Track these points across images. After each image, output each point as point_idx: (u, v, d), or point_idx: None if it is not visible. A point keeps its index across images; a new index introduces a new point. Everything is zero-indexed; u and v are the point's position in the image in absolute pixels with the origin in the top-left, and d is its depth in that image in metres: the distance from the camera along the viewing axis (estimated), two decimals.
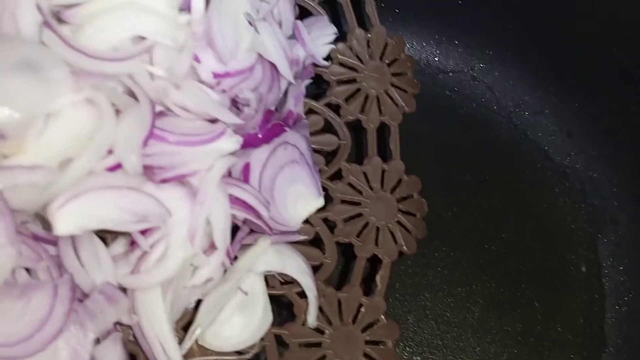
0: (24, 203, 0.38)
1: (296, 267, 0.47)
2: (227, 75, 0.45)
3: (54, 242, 0.40)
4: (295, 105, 0.51)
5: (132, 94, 0.42)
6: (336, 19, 0.58)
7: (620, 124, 0.69)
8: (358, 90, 0.55)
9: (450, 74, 0.74)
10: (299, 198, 0.48)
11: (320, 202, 0.49)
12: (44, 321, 0.37)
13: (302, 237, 0.49)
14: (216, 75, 0.44)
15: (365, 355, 0.47)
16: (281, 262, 0.47)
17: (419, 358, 0.62)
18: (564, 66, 0.71)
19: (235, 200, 0.44)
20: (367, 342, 0.47)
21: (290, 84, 0.51)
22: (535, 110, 0.72)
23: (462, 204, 0.68)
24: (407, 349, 0.63)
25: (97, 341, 0.40)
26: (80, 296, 0.40)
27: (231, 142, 0.43)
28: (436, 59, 0.74)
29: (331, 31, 0.55)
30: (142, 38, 0.42)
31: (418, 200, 0.53)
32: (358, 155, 0.54)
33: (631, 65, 0.66)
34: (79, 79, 0.40)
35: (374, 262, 0.51)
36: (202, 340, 0.44)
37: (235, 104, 0.47)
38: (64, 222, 0.38)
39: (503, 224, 0.68)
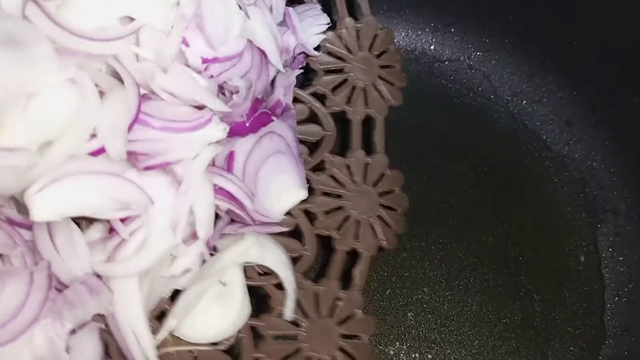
0: (1, 186, 0.37)
1: (276, 260, 0.46)
2: (216, 60, 0.44)
3: (29, 226, 0.39)
4: (285, 94, 0.50)
5: (116, 76, 0.40)
6: (326, 6, 0.57)
7: (619, 112, 0.68)
8: (345, 80, 0.54)
9: (447, 62, 0.73)
10: (282, 189, 0.48)
11: (303, 194, 0.49)
12: (19, 309, 0.36)
13: (284, 229, 0.48)
14: (205, 60, 0.43)
15: (341, 349, 0.47)
16: (261, 254, 0.46)
17: (417, 354, 0.61)
18: (562, 54, 0.70)
19: (219, 191, 0.43)
20: (343, 336, 0.47)
21: (278, 72, 0.50)
22: (533, 98, 0.71)
23: (459, 195, 0.67)
24: (405, 344, 0.62)
25: (73, 331, 0.39)
26: (57, 285, 0.39)
27: (218, 130, 0.42)
28: (432, 48, 0.73)
29: (324, 21, 0.54)
30: (131, 18, 0.41)
31: (399, 195, 0.53)
32: (342, 147, 0.53)
33: (632, 53, 0.65)
34: (63, 57, 0.38)
35: (355, 256, 0.50)
36: (178, 331, 0.43)
37: (222, 91, 0.46)
38: (42, 208, 0.37)
39: (501, 215, 0.67)
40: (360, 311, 0.48)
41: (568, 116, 0.70)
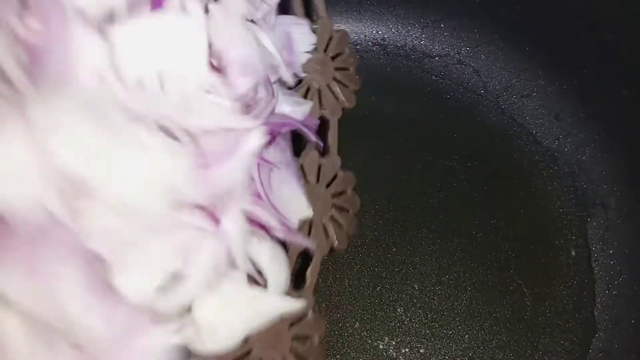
0: None
1: (276, 271, 0.44)
2: (241, 82, 0.43)
3: None
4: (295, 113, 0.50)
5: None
6: (282, 6, 0.56)
7: (608, 106, 0.68)
8: (300, 81, 0.53)
9: (437, 58, 0.73)
10: (290, 202, 0.46)
11: (310, 212, 0.47)
12: None
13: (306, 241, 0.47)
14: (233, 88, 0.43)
15: (292, 350, 0.46)
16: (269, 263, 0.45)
17: (407, 349, 0.61)
18: (552, 48, 0.70)
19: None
20: (294, 337, 0.46)
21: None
22: (523, 93, 0.71)
23: (449, 191, 0.67)
24: (395, 339, 0.61)
25: None
26: None
27: (257, 135, 0.41)
28: (422, 43, 0.73)
29: (312, 40, 0.53)
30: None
31: (352, 196, 0.52)
32: (295, 148, 0.53)
33: (622, 46, 0.65)
34: (136, 122, 0.37)
35: (308, 257, 0.49)
36: (193, 344, 0.41)
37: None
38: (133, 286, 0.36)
39: (491, 210, 0.66)
40: (311, 312, 0.47)
41: (558, 110, 0.70)
